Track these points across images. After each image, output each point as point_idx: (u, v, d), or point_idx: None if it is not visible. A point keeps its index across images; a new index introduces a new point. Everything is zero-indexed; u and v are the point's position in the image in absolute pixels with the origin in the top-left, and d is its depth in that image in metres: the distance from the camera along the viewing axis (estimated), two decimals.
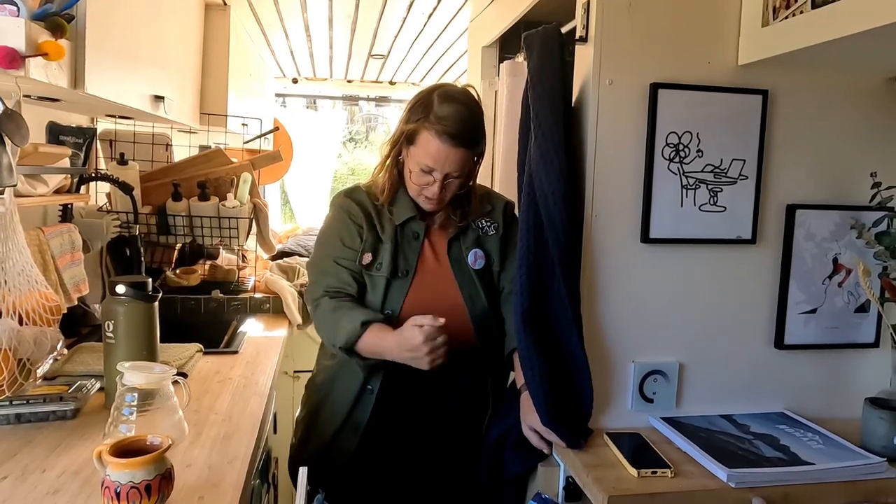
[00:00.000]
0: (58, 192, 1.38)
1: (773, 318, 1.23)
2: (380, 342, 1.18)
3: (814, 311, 1.23)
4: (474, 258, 1.31)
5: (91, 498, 0.88)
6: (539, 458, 1.19)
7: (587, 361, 1.11)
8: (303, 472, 1.10)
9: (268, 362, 1.55)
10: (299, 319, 2.04)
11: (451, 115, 1.20)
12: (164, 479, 0.85)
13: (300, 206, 4.24)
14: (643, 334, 1.18)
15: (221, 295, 2.01)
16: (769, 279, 1.22)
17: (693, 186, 1.16)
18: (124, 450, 0.86)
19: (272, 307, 2.05)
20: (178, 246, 2.10)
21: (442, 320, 1.13)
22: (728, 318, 1.21)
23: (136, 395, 1.01)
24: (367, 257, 1.27)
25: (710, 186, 1.17)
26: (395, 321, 1.24)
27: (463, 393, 1.32)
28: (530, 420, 1.16)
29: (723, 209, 1.17)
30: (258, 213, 1.94)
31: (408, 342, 1.13)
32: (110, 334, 1.17)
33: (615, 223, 1.15)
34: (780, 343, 1.23)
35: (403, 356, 1.15)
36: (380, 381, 1.27)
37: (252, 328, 1.87)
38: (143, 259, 1.61)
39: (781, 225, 1.21)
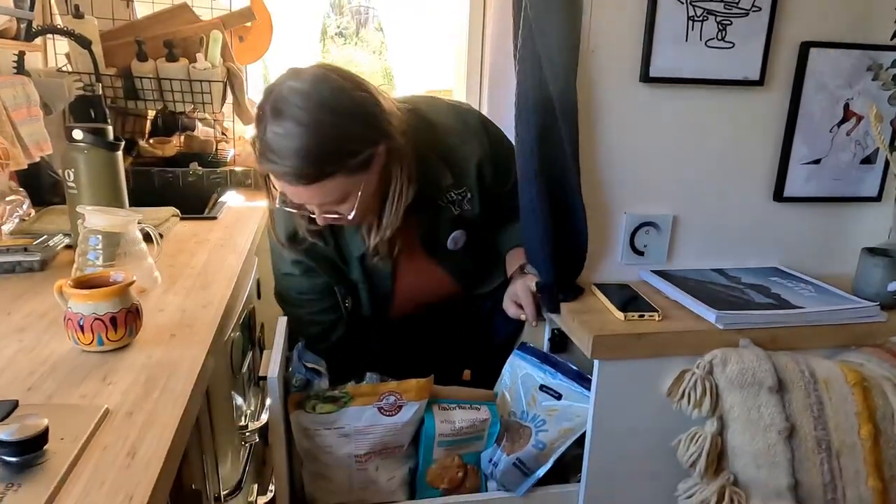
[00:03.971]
0: (2, 36, 1.25)
1: (775, 169, 1.16)
2: None
3: (817, 161, 1.17)
4: (454, 242, 1.14)
5: (57, 335, 0.85)
6: None
7: (584, 209, 1.05)
8: (282, 320, 1.08)
9: (248, 227, 1.50)
10: None
11: (279, 146, 0.88)
12: (131, 313, 0.81)
13: None
14: (637, 183, 1.12)
15: (200, 168, 1.93)
16: (774, 126, 1.14)
17: (700, 18, 1.05)
18: (87, 285, 0.81)
19: (255, 182, 1.97)
20: (151, 116, 1.98)
21: None
22: (727, 167, 1.14)
23: (99, 237, 0.96)
24: (348, 301, 1.16)
25: (718, 19, 1.06)
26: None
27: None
28: (515, 289, 1.12)
29: (731, 45, 1.07)
30: (232, 79, 1.82)
31: None
32: (72, 184, 1.10)
33: (613, 59, 1.05)
34: (779, 195, 1.17)
35: None
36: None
37: (233, 199, 1.80)
38: (108, 120, 1.51)
39: (793, 65, 1.11)
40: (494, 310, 1.23)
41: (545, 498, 1.03)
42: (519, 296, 1.10)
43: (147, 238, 1.06)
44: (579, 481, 1.04)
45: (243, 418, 1.21)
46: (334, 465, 0.94)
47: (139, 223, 1.03)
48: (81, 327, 0.78)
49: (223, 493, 1.10)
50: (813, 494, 0.87)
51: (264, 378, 0.91)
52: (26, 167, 1.27)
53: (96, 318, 0.78)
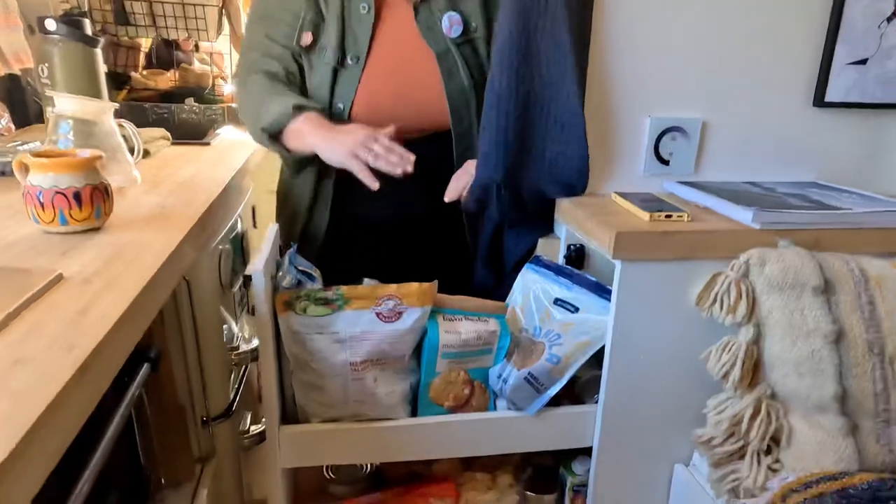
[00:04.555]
0: None
1: (816, 69, 1.05)
2: (312, 132, 1.02)
3: (864, 61, 1.06)
4: (449, 24, 1.09)
5: (22, 222, 0.76)
6: (540, 235, 1.09)
7: (583, 120, 0.95)
8: (272, 227, 0.99)
9: (243, 151, 1.41)
10: None
11: None
12: (98, 191, 0.73)
13: None
14: (662, 83, 1.01)
15: (196, 104, 1.83)
16: (816, 20, 1.03)
17: None
18: (48, 157, 0.73)
19: None
20: (145, 48, 1.89)
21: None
22: (763, 66, 1.03)
23: (70, 123, 0.87)
24: (308, 37, 1.08)
25: None
26: (344, 119, 1.09)
27: (435, 193, 1.18)
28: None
29: None
30: (228, 5, 1.72)
31: (346, 136, 0.99)
32: (46, 80, 1.01)
33: None
34: (819, 100, 1.06)
35: (335, 151, 1.01)
36: (332, 184, 1.13)
37: (229, 133, 1.71)
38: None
39: None
40: (500, 231, 1.13)
41: (559, 418, 0.94)
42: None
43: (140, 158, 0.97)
44: (596, 402, 0.95)
45: (235, 340, 1.13)
46: (327, 373, 0.85)
47: (118, 120, 0.94)
48: (41, 202, 0.70)
49: (211, 415, 1.03)
50: (862, 405, 0.78)
51: (250, 278, 0.83)
52: (3, 75, 1.19)
53: (57, 192, 0.70)
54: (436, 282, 0.89)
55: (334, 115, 1.09)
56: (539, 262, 1.02)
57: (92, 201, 0.72)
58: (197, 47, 2.12)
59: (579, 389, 1.00)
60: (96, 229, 0.74)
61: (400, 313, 0.86)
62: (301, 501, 1.04)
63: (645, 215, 0.89)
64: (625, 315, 0.88)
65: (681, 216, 0.88)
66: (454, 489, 0.95)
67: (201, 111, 1.83)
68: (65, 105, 0.86)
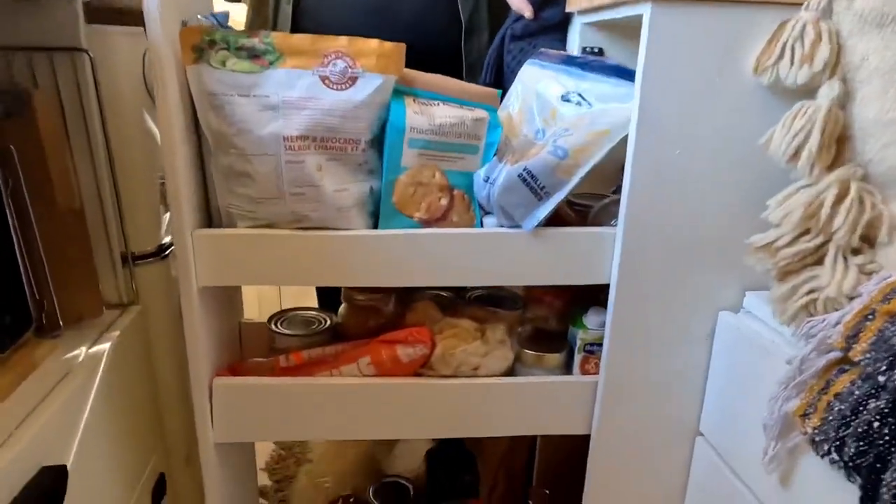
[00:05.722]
0: None
1: None
2: None
3: None
4: None
5: None
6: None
7: None
8: None
9: None
10: None
11: None
12: None
13: None
14: None
15: None
16: None
17: None
18: None
19: None
20: None
21: None
22: None
23: None
24: None
25: None
26: None
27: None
28: None
29: None
30: None
31: None
32: None
33: None
34: None
35: None
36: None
37: None
38: None
39: None
40: (503, 41, 0.92)
41: (565, 240, 0.71)
42: None
43: None
44: (614, 225, 0.72)
45: None
46: (254, 152, 0.64)
47: None
48: None
49: (133, 251, 0.84)
50: None
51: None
52: None
53: None
54: (403, 45, 0.67)
55: None
56: (543, 55, 0.80)
57: None
58: None
59: (594, 219, 0.77)
60: None
61: (353, 79, 0.65)
62: (245, 359, 0.83)
63: None
64: (654, 89, 0.65)
65: None
66: (428, 334, 0.73)
67: None
68: None
